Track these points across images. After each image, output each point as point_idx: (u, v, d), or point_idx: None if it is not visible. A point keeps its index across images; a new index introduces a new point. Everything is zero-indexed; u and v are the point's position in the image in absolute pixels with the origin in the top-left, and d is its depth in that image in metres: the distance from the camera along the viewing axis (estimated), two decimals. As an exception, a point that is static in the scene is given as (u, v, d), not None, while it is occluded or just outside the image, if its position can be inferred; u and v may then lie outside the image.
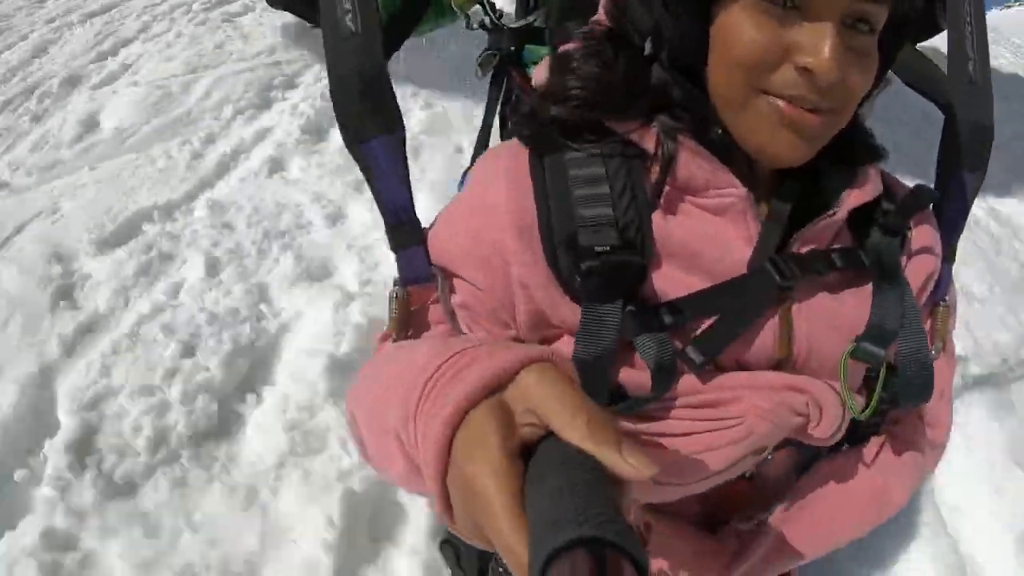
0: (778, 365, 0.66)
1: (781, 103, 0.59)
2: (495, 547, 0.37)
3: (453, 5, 1.08)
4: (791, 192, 0.66)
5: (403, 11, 1.04)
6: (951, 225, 0.80)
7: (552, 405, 0.40)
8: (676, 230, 0.63)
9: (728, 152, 0.64)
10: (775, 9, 0.56)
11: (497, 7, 1.13)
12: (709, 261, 0.64)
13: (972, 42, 0.76)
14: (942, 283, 0.79)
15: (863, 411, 0.68)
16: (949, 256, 0.80)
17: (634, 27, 0.65)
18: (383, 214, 0.71)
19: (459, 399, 0.41)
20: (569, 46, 0.70)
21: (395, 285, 0.72)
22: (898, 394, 0.70)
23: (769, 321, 0.65)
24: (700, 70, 0.62)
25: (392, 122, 0.70)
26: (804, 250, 0.66)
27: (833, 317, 0.67)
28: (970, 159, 0.77)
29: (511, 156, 0.67)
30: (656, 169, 0.63)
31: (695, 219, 0.64)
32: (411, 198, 0.71)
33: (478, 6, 1.10)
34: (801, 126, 0.59)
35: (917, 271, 0.73)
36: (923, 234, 0.75)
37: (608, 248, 0.60)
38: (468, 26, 1.11)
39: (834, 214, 0.65)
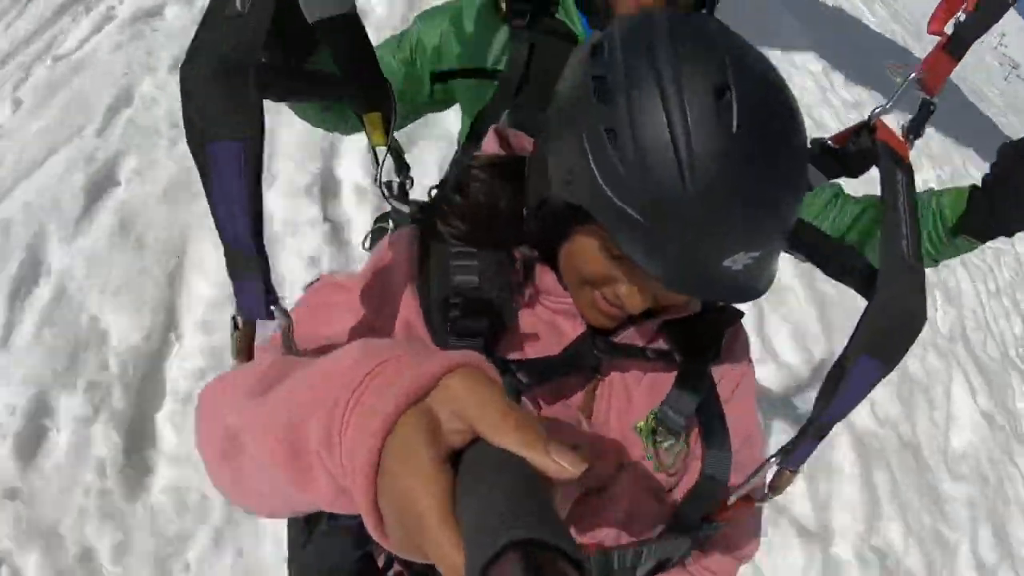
0: (578, 423, 0.81)
1: (601, 304, 0.74)
2: (430, 558, 0.37)
3: (368, 138, 0.84)
4: None
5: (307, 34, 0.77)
6: (838, 409, 0.75)
7: (479, 409, 0.40)
8: (528, 316, 0.79)
9: None
10: (614, 260, 0.70)
11: (411, 173, 0.91)
12: (547, 343, 0.78)
13: (906, 221, 0.75)
14: (799, 454, 0.79)
15: (661, 465, 0.83)
16: (819, 433, 0.77)
17: (529, 191, 0.77)
18: (219, 233, 0.62)
19: (386, 411, 0.41)
20: (471, 167, 0.81)
21: (236, 315, 0.67)
22: (691, 497, 0.85)
23: (579, 389, 0.81)
24: (554, 246, 0.76)
25: (248, 126, 0.58)
26: (623, 342, 0.80)
27: (630, 396, 0.83)
28: (887, 349, 0.72)
29: (412, 232, 0.81)
30: (520, 274, 0.78)
31: (541, 312, 0.79)
32: (253, 223, 0.61)
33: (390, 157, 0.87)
34: (611, 317, 0.76)
35: (728, 379, 0.88)
36: (733, 349, 0.90)
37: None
38: (376, 178, 0.85)
39: (648, 320, 0.79)
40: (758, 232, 0.64)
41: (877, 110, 0.88)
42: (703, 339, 0.84)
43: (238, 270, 0.63)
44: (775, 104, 0.64)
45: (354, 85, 0.81)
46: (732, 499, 0.83)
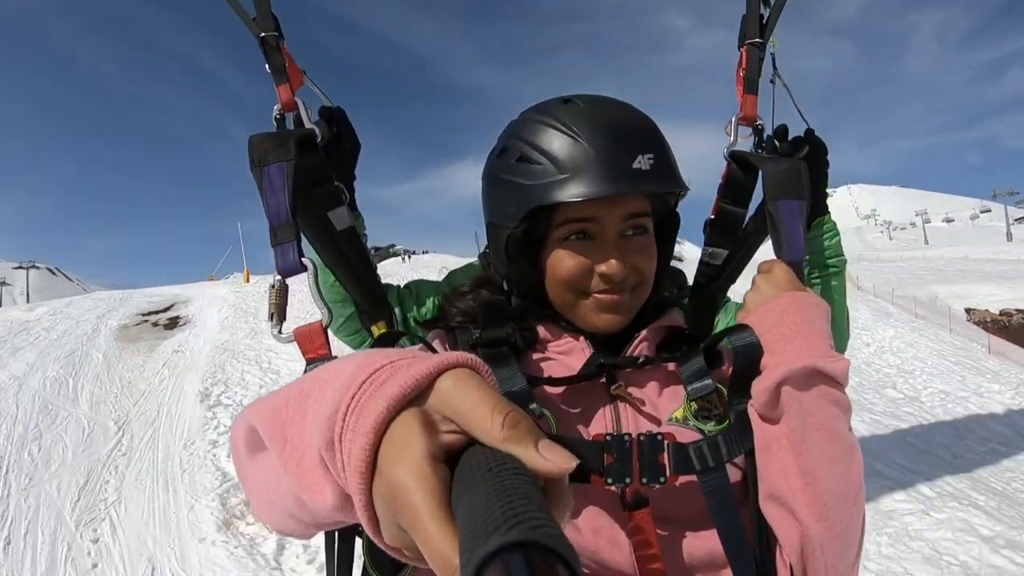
0: (612, 438, 0.85)
1: (597, 297, 0.92)
2: (424, 554, 0.37)
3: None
4: (608, 336, 0.96)
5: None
6: (794, 248, 0.98)
7: (469, 409, 0.41)
8: (539, 359, 0.96)
9: (575, 325, 0.97)
10: (579, 243, 0.91)
11: None
12: (562, 374, 0.93)
13: None
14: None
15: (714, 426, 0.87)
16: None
17: (496, 274, 1.04)
18: (268, 217, 0.96)
19: (379, 411, 0.42)
20: (462, 286, 1.08)
21: (275, 277, 0.97)
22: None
23: (601, 409, 0.90)
24: (541, 290, 0.96)
25: (286, 153, 0.97)
26: (630, 355, 0.94)
27: (655, 405, 0.92)
28: (792, 188, 0.99)
29: (437, 332, 1.04)
30: (521, 335, 0.96)
31: (551, 355, 0.97)
32: (289, 208, 0.96)
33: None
34: (613, 306, 0.92)
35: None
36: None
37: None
38: None
39: (640, 332, 0.96)
40: (634, 134, 0.89)
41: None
42: (693, 340, 0.97)
43: (278, 238, 0.97)
44: (603, 97, 0.94)
45: (357, 295, 1.15)
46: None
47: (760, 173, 1.00)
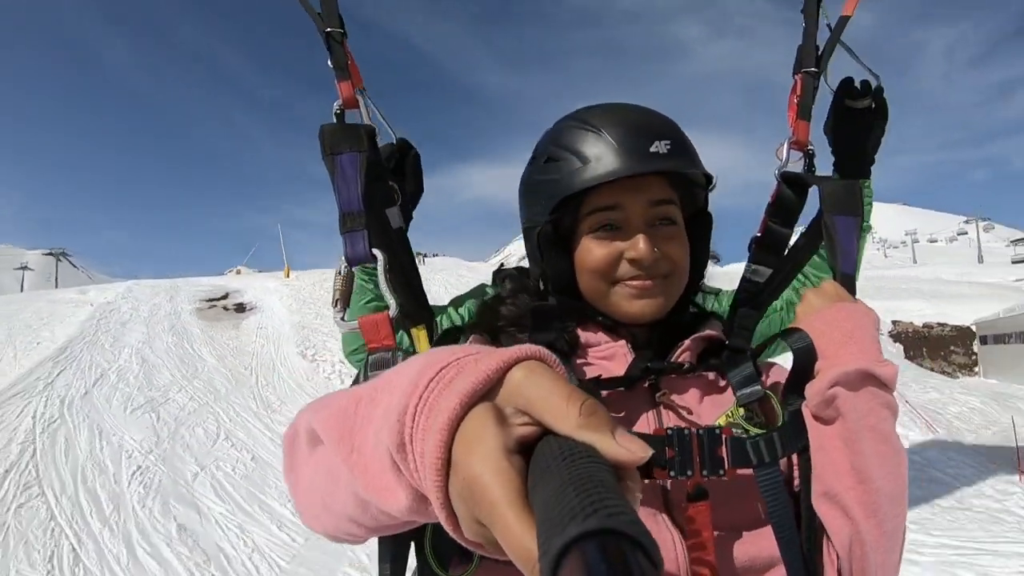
0: (673, 431, 0.84)
1: (627, 285, 0.93)
2: (503, 546, 0.37)
3: (416, 351, 1.07)
4: (650, 340, 0.98)
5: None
6: (847, 260, 1.01)
7: (542, 400, 0.41)
8: (583, 366, 0.95)
9: (615, 324, 0.97)
10: (607, 233, 0.93)
11: None
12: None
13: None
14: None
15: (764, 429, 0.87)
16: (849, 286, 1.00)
17: (533, 275, 1.06)
18: (339, 205, 1.00)
19: (452, 407, 0.43)
20: (502, 293, 1.07)
21: (341, 263, 0.99)
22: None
23: (645, 414, 0.90)
24: (575, 286, 0.98)
25: (360, 144, 1.02)
26: (673, 362, 0.94)
27: (698, 414, 0.91)
28: (850, 205, 1.02)
29: (481, 337, 1.01)
30: (566, 341, 0.96)
31: (593, 363, 0.96)
32: (360, 198, 1.00)
33: None
34: (646, 292, 0.93)
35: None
36: (776, 372, 1.00)
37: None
38: None
39: (684, 341, 0.96)
40: (652, 125, 0.93)
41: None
42: (734, 350, 0.98)
43: (348, 226, 1.00)
44: (629, 103, 0.98)
45: (403, 295, 1.09)
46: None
47: (818, 191, 1.06)
